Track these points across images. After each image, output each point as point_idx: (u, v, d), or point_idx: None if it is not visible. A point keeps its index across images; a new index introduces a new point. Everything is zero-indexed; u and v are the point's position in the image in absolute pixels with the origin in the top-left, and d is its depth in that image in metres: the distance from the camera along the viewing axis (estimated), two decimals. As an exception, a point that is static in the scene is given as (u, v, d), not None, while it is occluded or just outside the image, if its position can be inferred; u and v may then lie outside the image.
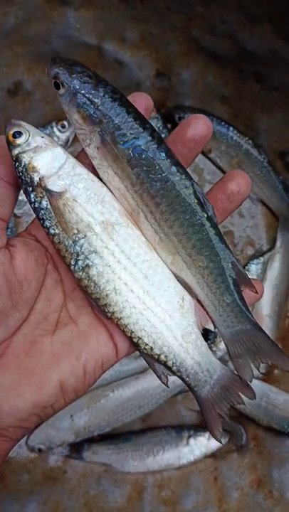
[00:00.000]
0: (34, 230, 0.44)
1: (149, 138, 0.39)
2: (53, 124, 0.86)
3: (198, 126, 0.41)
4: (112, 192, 0.41)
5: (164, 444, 0.86)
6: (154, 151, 0.39)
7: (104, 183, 0.42)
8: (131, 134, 0.39)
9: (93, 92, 0.39)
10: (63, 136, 0.87)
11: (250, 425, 0.87)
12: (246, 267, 0.90)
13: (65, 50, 0.80)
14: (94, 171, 0.42)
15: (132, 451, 0.86)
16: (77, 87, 0.39)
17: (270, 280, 0.88)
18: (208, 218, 0.40)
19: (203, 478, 0.86)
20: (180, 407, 0.89)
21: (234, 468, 0.86)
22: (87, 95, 0.39)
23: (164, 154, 0.39)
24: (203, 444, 0.86)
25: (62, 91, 0.40)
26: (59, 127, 0.86)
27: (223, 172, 0.90)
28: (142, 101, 0.41)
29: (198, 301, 0.43)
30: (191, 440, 0.86)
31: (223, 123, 0.88)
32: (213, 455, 0.86)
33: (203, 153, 0.90)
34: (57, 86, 0.40)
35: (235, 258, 0.42)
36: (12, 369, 0.40)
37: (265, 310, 0.86)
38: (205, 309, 0.43)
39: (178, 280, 0.43)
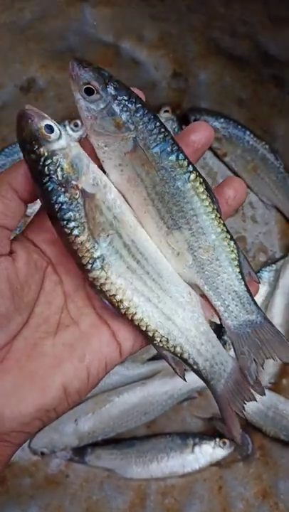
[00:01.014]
0: (31, 234, 0.43)
1: (172, 141, 0.41)
2: (66, 122, 0.85)
3: (202, 132, 0.43)
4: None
5: (168, 450, 0.85)
6: (177, 152, 0.41)
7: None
8: (160, 138, 0.40)
9: (127, 98, 0.40)
10: (76, 135, 0.85)
11: (256, 434, 0.86)
12: (258, 275, 0.89)
13: (81, 48, 0.78)
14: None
15: (136, 457, 0.85)
16: (114, 94, 0.39)
17: (282, 288, 0.87)
18: (217, 210, 0.42)
19: (208, 487, 0.85)
20: (185, 413, 0.88)
21: (239, 478, 0.85)
22: (123, 102, 0.39)
23: (182, 155, 0.41)
24: (208, 453, 0.85)
25: (95, 97, 0.39)
26: (72, 126, 0.85)
27: (238, 176, 0.89)
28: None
29: (202, 296, 0.44)
30: (196, 448, 0.85)
31: (239, 126, 0.86)
32: (218, 464, 0.86)
33: (218, 156, 0.89)
34: (90, 92, 0.39)
35: (241, 250, 0.43)
36: (14, 373, 0.40)
37: (276, 319, 0.85)
38: (210, 304, 0.44)
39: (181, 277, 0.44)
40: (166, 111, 0.85)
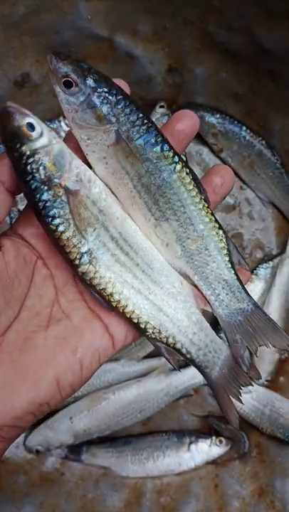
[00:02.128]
0: (20, 229, 0.43)
1: (156, 132, 0.41)
2: (61, 118, 0.85)
3: (186, 121, 0.43)
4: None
5: (164, 449, 0.85)
6: (161, 143, 0.41)
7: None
8: (143, 129, 0.40)
9: (107, 90, 0.39)
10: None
11: (253, 432, 0.86)
12: (255, 271, 0.88)
13: (75, 42, 0.77)
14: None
15: (132, 455, 0.85)
16: (93, 86, 0.39)
17: (278, 285, 0.86)
18: (205, 200, 0.42)
19: (204, 486, 0.84)
20: (182, 411, 0.88)
21: (236, 477, 0.85)
22: (103, 94, 0.39)
23: (167, 146, 0.41)
24: (204, 451, 0.85)
25: (74, 90, 0.39)
26: (66, 121, 0.84)
27: (235, 172, 0.88)
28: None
29: (194, 286, 0.44)
30: (193, 446, 0.85)
31: (235, 122, 0.86)
32: (215, 462, 0.85)
33: (214, 152, 0.88)
34: (68, 85, 0.39)
35: (230, 239, 0.43)
36: (5, 367, 0.40)
37: (273, 316, 0.84)
38: (201, 293, 0.44)
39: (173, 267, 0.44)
40: (161, 106, 0.85)
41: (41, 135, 0.38)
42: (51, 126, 0.84)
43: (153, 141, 0.40)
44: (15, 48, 0.77)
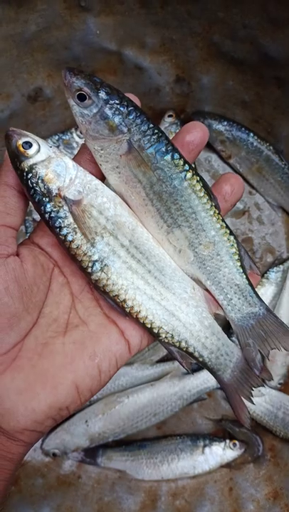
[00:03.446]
0: (36, 238, 0.45)
1: (166, 141, 0.42)
2: (73, 130, 0.87)
3: (196, 132, 0.44)
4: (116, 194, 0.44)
5: (179, 452, 0.85)
6: (171, 152, 0.42)
7: (109, 186, 0.44)
8: (154, 139, 0.42)
9: (119, 102, 0.41)
10: (83, 141, 0.87)
11: (267, 436, 0.86)
12: (265, 275, 0.89)
13: (85, 56, 0.80)
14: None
15: (147, 458, 0.85)
16: (105, 98, 0.41)
17: (289, 288, 0.87)
18: (216, 206, 0.43)
19: (219, 489, 0.85)
20: (196, 415, 0.88)
21: (250, 480, 0.84)
22: (115, 106, 0.41)
23: (178, 155, 0.42)
24: (218, 454, 0.85)
25: (87, 103, 0.41)
26: (78, 133, 0.87)
27: (243, 178, 0.89)
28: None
29: (206, 290, 0.45)
30: (207, 449, 0.85)
31: (243, 129, 0.87)
32: (229, 465, 0.85)
33: (222, 159, 0.89)
34: (82, 98, 0.41)
35: (241, 244, 0.44)
36: (26, 371, 0.41)
37: (284, 319, 0.83)
38: (214, 298, 0.45)
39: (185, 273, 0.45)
40: (170, 115, 0.86)
41: (38, 151, 0.41)
42: (64, 137, 0.86)
43: (164, 149, 0.42)
44: (27, 64, 0.79)
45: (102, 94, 0.41)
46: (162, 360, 0.87)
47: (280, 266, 0.89)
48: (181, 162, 0.42)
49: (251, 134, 0.86)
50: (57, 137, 0.86)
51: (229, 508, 0.83)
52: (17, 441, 0.41)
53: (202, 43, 0.79)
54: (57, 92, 0.84)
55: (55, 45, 0.78)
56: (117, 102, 0.41)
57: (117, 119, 0.41)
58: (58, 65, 0.81)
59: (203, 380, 0.84)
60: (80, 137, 0.87)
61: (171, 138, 0.44)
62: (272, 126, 0.86)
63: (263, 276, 0.89)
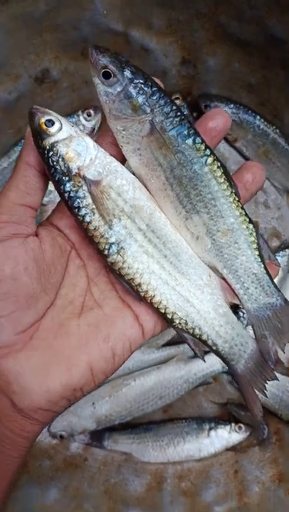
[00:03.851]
0: (55, 219, 0.45)
1: (188, 124, 0.42)
2: (80, 112, 0.87)
3: (218, 119, 0.44)
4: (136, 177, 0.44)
5: (184, 435, 0.86)
6: (193, 136, 0.41)
7: (129, 169, 0.43)
8: (176, 121, 0.41)
9: (143, 81, 0.41)
10: (89, 125, 0.87)
11: (272, 419, 0.86)
12: (271, 259, 0.89)
13: (92, 37, 0.79)
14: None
15: (153, 441, 0.86)
16: (130, 77, 0.41)
17: (295, 272, 0.87)
18: (235, 194, 0.43)
19: (224, 471, 0.85)
20: (201, 398, 0.89)
21: (255, 462, 0.85)
22: (139, 85, 0.41)
23: (200, 139, 0.42)
24: (224, 437, 0.85)
25: (112, 81, 0.41)
26: (85, 115, 0.87)
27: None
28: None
29: (223, 279, 0.44)
30: (212, 432, 0.85)
31: (249, 111, 0.87)
32: (234, 448, 0.86)
33: (228, 142, 0.89)
34: (107, 76, 0.41)
35: (259, 234, 0.44)
36: (41, 351, 0.41)
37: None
38: (230, 287, 0.44)
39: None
40: (176, 98, 0.86)
41: (60, 130, 0.41)
42: (70, 120, 0.87)
43: (185, 133, 0.41)
44: (35, 45, 0.79)
45: (127, 73, 0.41)
46: (168, 344, 0.88)
47: (286, 250, 0.89)
48: (203, 147, 0.42)
49: (258, 117, 0.86)
50: (63, 120, 0.86)
51: (234, 489, 0.83)
52: (31, 420, 0.41)
53: (208, 24, 0.78)
54: (64, 74, 0.84)
55: (64, 25, 0.77)
56: (141, 81, 0.41)
57: (140, 99, 0.41)
58: (66, 46, 0.81)
59: (209, 363, 0.84)
60: (86, 120, 0.87)
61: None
62: (277, 109, 0.86)
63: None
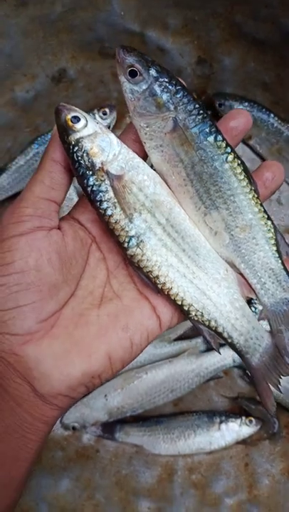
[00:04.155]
0: (77, 214, 0.47)
1: (210, 122, 0.43)
2: (95, 111, 0.88)
3: (240, 118, 0.45)
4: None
5: (195, 428, 0.86)
6: (215, 133, 0.43)
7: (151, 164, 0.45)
8: (199, 119, 0.42)
9: (168, 80, 0.42)
10: (104, 123, 0.88)
11: (282, 413, 0.87)
12: (283, 256, 0.89)
13: (108, 38, 0.81)
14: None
15: (164, 434, 0.87)
16: (156, 76, 0.42)
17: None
18: (255, 191, 0.44)
19: (234, 464, 0.86)
20: (212, 392, 0.90)
21: (265, 456, 0.86)
22: (164, 83, 0.42)
23: (221, 137, 0.43)
24: (234, 430, 0.86)
25: (138, 79, 0.42)
26: (100, 114, 0.88)
27: (262, 159, 0.90)
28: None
29: (240, 274, 0.45)
30: (223, 426, 0.86)
31: (263, 109, 0.87)
32: (245, 442, 0.86)
33: (242, 140, 0.90)
34: (133, 74, 0.42)
35: (278, 230, 0.44)
36: (62, 339, 0.42)
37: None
38: (247, 282, 0.45)
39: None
40: (191, 96, 0.87)
41: (85, 126, 0.42)
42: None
43: (207, 130, 0.42)
44: (52, 45, 0.81)
45: (153, 72, 0.42)
46: (180, 338, 0.89)
47: (299, 247, 0.89)
48: (224, 144, 0.43)
49: (272, 115, 0.87)
50: (80, 118, 0.87)
51: (245, 482, 0.84)
52: (51, 405, 0.42)
53: (224, 24, 0.79)
54: (80, 74, 0.85)
55: (80, 26, 0.79)
56: (166, 80, 0.42)
57: (165, 97, 0.42)
58: (82, 46, 0.82)
59: (220, 358, 0.85)
60: (102, 118, 0.88)
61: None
62: (292, 107, 0.87)
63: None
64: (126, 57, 0.42)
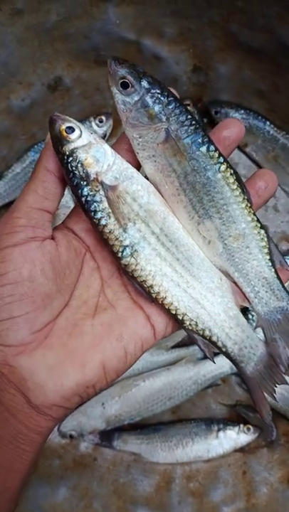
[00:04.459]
0: (71, 223, 0.46)
1: (203, 133, 0.43)
2: (91, 118, 0.88)
3: (233, 128, 0.45)
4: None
5: (193, 436, 0.86)
6: (207, 144, 0.42)
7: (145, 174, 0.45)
8: (191, 129, 0.42)
9: (160, 91, 0.42)
10: (101, 131, 0.88)
11: (281, 421, 0.86)
12: (280, 263, 0.89)
13: (104, 46, 0.81)
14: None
15: (162, 441, 0.86)
16: (147, 87, 0.42)
17: (304, 276, 0.87)
18: (248, 200, 0.44)
19: (232, 472, 0.86)
20: (210, 400, 0.89)
21: (263, 464, 0.85)
22: (156, 95, 0.42)
23: (213, 147, 0.43)
24: (232, 438, 0.86)
25: (130, 90, 0.42)
26: (97, 122, 0.88)
27: (259, 166, 0.90)
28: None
29: (234, 283, 0.45)
30: (221, 433, 0.86)
31: (259, 117, 0.87)
32: (243, 449, 0.86)
33: (238, 147, 0.90)
34: (125, 86, 0.42)
35: (271, 239, 0.44)
36: (56, 349, 0.42)
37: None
38: (241, 290, 0.45)
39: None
40: (187, 104, 0.87)
41: (80, 136, 0.42)
42: (83, 126, 0.88)
43: (200, 140, 0.42)
44: (48, 54, 0.81)
45: (145, 83, 0.42)
46: (177, 345, 0.88)
47: (295, 254, 0.89)
48: (216, 154, 0.42)
49: (268, 123, 0.87)
50: (76, 126, 0.87)
51: (243, 490, 0.84)
52: (46, 416, 0.42)
53: (220, 33, 0.79)
54: (76, 82, 0.85)
55: (75, 34, 0.79)
56: (158, 91, 0.42)
57: (157, 108, 0.42)
58: (78, 54, 0.82)
59: (218, 365, 0.85)
60: (98, 126, 0.88)
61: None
62: (288, 115, 0.87)
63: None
64: (118, 68, 0.42)
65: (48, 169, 0.43)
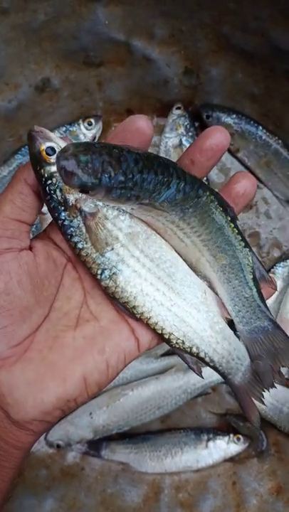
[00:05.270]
0: (52, 233, 0.45)
1: (177, 180, 0.38)
2: (80, 121, 0.86)
3: (216, 137, 0.42)
4: None
5: (182, 445, 0.85)
6: (183, 190, 0.39)
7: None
8: (164, 188, 0.38)
9: (123, 179, 0.36)
10: (90, 134, 0.87)
11: (271, 431, 0.86)
12: (272, 270, 0.88)
13: (93, 47, 0.79)
14: None
15: (150, 451, 0.85)
16: (109, 185, 0.35)
17: (296, 284, 0.86)
18: (231, 220, 0.42)
19: (222, 483, 0.85)
20: (200, 409, 0.88)
21: (253, 474, 0.85)
22: (120, 185, 0.36)
23: (189, 187, 0.39)
24: (222, 448, 0.85)
25: (92, 193, 0.36)
26: (86, 124, 0.86)
27: (251, 172, 0.89)
28: (142, 125, 0.40)
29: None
30: (210, 443, 0.85)
31: (252, 122, 0.86)
32: (232, 459, 0.85)
33: (230, 152, 0.89)
34: (86, 192, 0.36)
35: (256, 256, 0.43)
36: (36, 363, 0.41)
37: (290, 314, 0.84)
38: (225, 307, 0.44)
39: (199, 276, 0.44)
40: (178, 107, 0.86)
41: None
42: (71, 129, 0.86)
43: (174, 191, 0.38)
44: (35, 54, 0.79)
45: (105, 181, 0.35)
46: (167, 353, 0.88)
47: (287, 261, 0.88)
48: (193, 193, 0.39)
49: (260, 128, 0.86)
50: (64, 128, 0.85)
51: (232, 501, 0.83)
52: (26, 431, 0.41)
53: (212, 35, 0.78)
54: (64, 83, 0.83)
55: (64, 35, 0.77)
56: (121, 179, 0.35)
57: (124, 195, 0.36)
58: (66, 55, 0.80)
59: (208, 374, 0.83)
60: (87, 129, 0.86)
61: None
62: (281, 119, 0.85)
63: (269, 271, 0.88)
64: (70, 180, 0.34)
65: (27, 182, 0.41)
